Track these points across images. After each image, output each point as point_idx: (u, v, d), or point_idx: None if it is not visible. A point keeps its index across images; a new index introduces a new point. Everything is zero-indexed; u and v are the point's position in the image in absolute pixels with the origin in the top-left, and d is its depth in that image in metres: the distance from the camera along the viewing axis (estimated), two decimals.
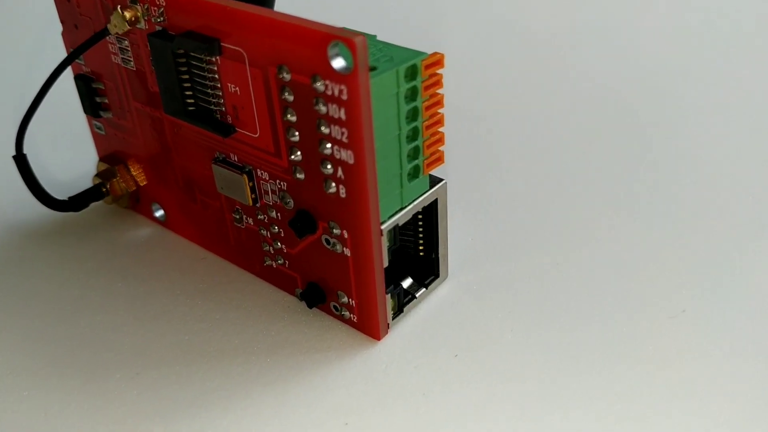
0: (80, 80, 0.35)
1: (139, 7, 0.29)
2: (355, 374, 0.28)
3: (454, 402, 0.27)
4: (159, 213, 0.37)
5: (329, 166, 0.27)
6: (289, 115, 0.27)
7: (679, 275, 0.32)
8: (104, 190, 0.36)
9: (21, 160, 0.34)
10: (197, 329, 0.31)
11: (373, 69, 0.25)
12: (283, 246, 0.31)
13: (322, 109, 0.25)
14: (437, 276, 0.32)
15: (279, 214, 0.30)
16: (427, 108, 0.27)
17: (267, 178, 0.29)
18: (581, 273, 0.32)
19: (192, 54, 0.28)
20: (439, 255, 0.31)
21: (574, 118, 0.44)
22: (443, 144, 0.28)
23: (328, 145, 0.26)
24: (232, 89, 0.28)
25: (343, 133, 0.25)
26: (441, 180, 0.29)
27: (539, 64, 0.50)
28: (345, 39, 0.23)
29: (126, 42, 0.31)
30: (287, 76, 0.26)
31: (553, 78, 0.49)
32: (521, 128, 0.43)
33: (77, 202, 0.36)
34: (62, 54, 0.35)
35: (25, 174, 0.35)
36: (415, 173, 0.28)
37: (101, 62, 0.33)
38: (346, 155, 0.26)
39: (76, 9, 0.33)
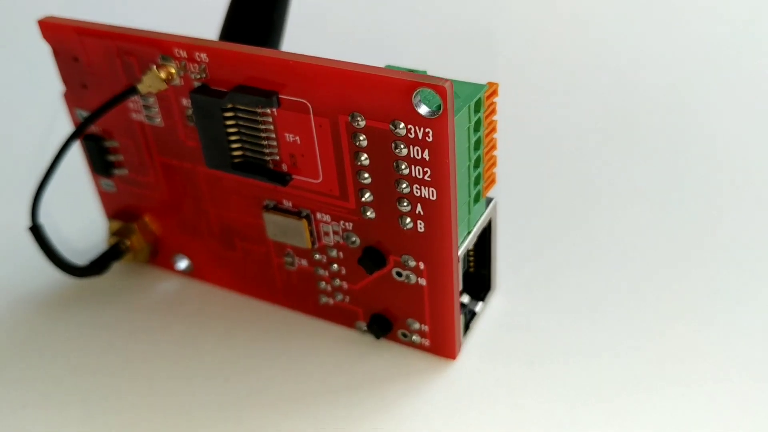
0: (90, 141, 0.33)
1: (174, 64, 0.29)
2: (443, 396, 0.29)
3: (548, 410, 0.29)
4: (183, 264, 0.36)
5: (405, 204, 0.27)
6: (361, 160, 0.27)
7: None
8: (123, 248, 0.35)
9: (37, 231, 0.33)
10: (268, 377, 0.31)
11: None
12: (344, 283, 0.31)
13: (403, 151, 0.26)
14: (489, 289, 0.33)
15: (341, 253, 0.30)
16: (486, 135, 0.28)
17: (328, 220, 0.30)
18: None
19: (243, 108, 0.28)
20: (491, 269, 0.33)
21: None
22: (496, 166, 0.30)
23: (405, 185, 0.27)
24: (291, 139, 0.28)
25: (425, 172, 0.26)
26: (491, 199, 0.31)
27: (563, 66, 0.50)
28: (434, 86, 0.24)
29: (152, 99, 0.31)
30: (362, 123, 0.26)
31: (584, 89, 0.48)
32: (537, 127, 0.45)
33: (99, 265, 0.34)
34: (67, 116, 0.34)
35: (43, 245, 0.33)
36: (477, 198, 0.29)
37: (115, 120, 0.32)
38: (428, 192, 0.27)
39: (86, 68, 0.31)
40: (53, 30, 0.31)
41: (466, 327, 0.32)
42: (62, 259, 0.33)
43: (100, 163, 0.34)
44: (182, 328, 0.33)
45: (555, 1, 0.54)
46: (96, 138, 0.33)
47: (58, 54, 0.32)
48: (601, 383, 0.29)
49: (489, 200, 0.31)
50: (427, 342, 0.31)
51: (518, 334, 0.32)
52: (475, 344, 0.31)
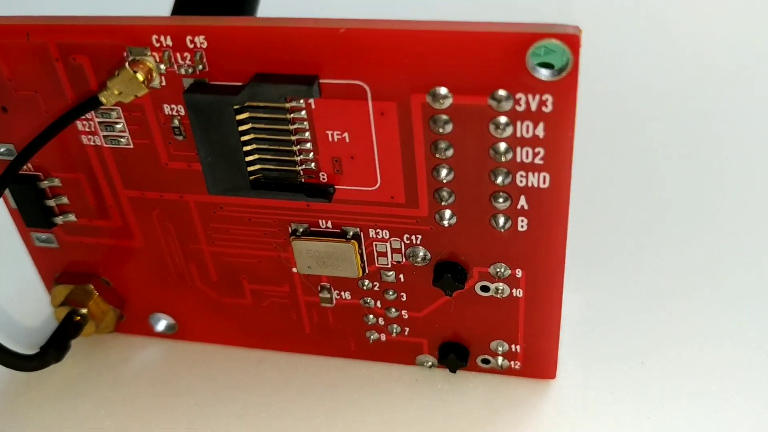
0: (19, 185, 0.24)
1: (151, 59, 0.21)
2: (558, 423, 0.24)
3: (686, 409, 0.24)
4: (163, 324, 0.27)
5: (502, 200, 0.21)
6: (441, 151, 0.21)
7: None
8: (79, 318, 0.26)
9: None
10: None
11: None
12: (404, 311, 0.25)
13: (506, 131, 0.20)
14: None
15: (401, 276, 0.24)
16: None
17: (386, 237, 0.23)
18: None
19: (264, 105, 0.21)
20: None
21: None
22: None
23: (503, 175, 0.21)
24: (335, 137, 0.21)
25: (536, 154, 0.20)
26: None
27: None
28: (561, 36, 0.18)
29: (115, 113, 0.22)
30: (446, 102, 0.20)
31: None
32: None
33: (56, 347, 0.25)
34: None
35: None
36: None
37: (56, 150, 0.23)
38: (538, 179, 0.21)
39: (7, 83, 0.22)
40: None
41: None
42: (7, 351, 0.24)
43: (35, 213, 0.25)
44: (190, 408, 0.25)
45: None
46: (27, 179, 0.24)
47: None
48: (729, 368, 0.25)
49: None
50: (517, 365, 0.25)
51: (608, 331, 0.26)
52: (566, 354, 0.26)
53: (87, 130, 0.23)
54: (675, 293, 0.28)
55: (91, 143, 0.23)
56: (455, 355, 0.25)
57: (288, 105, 0.21)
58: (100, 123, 0.22)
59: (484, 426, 0.24)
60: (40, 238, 0.26)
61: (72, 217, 0.25)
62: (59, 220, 0.25)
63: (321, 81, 0.20)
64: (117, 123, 0.22)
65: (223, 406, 0.25)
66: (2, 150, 0.24)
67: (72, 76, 0.22)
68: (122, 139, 0.23)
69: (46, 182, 0.24)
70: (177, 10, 0.25)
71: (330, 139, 0.21)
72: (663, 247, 0.30)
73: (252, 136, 0.21)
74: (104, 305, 0.27)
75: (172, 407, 0.25)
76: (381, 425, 0.24)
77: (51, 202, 0.25)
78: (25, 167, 0.24)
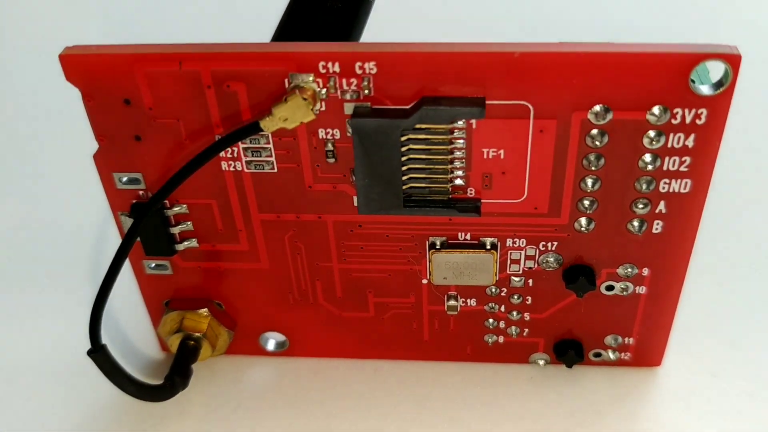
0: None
1: (314, 85, 0.21)
2: (674, 406, 0.26)
3: None
4: (273, 343, 0.27)
5: (642, 206, 0.23)
6: (592, 162, 0.22)
7: None
8: (194, 344, 0.26)
9: (101, 356, 0.23)
10: None
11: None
12: (526, 314, 0.26)
13: (658, 142, 0.21)
14: None
15: (530, 281, 0.25)
16: None
17: (522, 245, 0.24)
18: None
19: (427, 127, 0.21)
20: None
21: None
22: None
23: (646, 183, 0.22)
24: (491, 154, 0.22)
25: (682, 162, 0.22)
26: None
27: None
28: (723, 56, 0.20)
29: (264, 138, 0.22)
30: (607, 117, 0.21)
31: None
32: None
33: (181, 375, 0.25)
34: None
35: (111, 371, 0.23)
36: None
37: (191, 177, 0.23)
38: (680, 185, 0.22)
39: (146, 111, 0.22)
40: (91, 65, 0.21)
41: None
42: (140, 385, 0.24)
43: (157, 241, 0.24)
44: (321, 423, 0.26)
45: None
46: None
47: (92, 98, 0.22)
48: None
49: None
50: (628, 356, 0.27)
51: (699, 315, 0.28)
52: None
53: (229, 156, 0.23)
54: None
55: (231, 169, 0.23)
56: (574, 352, 0.26)
57: (449, 127, 0.21)
58: (245, 149, 0.22)
59: (608, 414, 0.26)
60: (151, 265, 0.26)
61: (194, 243, 0.25)
62: (180, 246, 0.25)
63: (487, 102, 0.21)
64: (264, 149, 0.22)
65: (353, 417, 0.26)
66: (125, 179, 0.23)
67: (222, 103, 0.22)
68: (268, 164, 0.23)
69: (174, 209, 0.24)
70: (279, 37, 0.26)
71: (485, 156, 0.22)
72: (751, 230, 0.32)
73: (409, 156, 0.22)
74: (218, 328, 0.26)
75: (303, 424, 0.26)
76: (514, 423, 0.25)
77: (175, 230, 0.24)
78: (149, 194, 0.24)
